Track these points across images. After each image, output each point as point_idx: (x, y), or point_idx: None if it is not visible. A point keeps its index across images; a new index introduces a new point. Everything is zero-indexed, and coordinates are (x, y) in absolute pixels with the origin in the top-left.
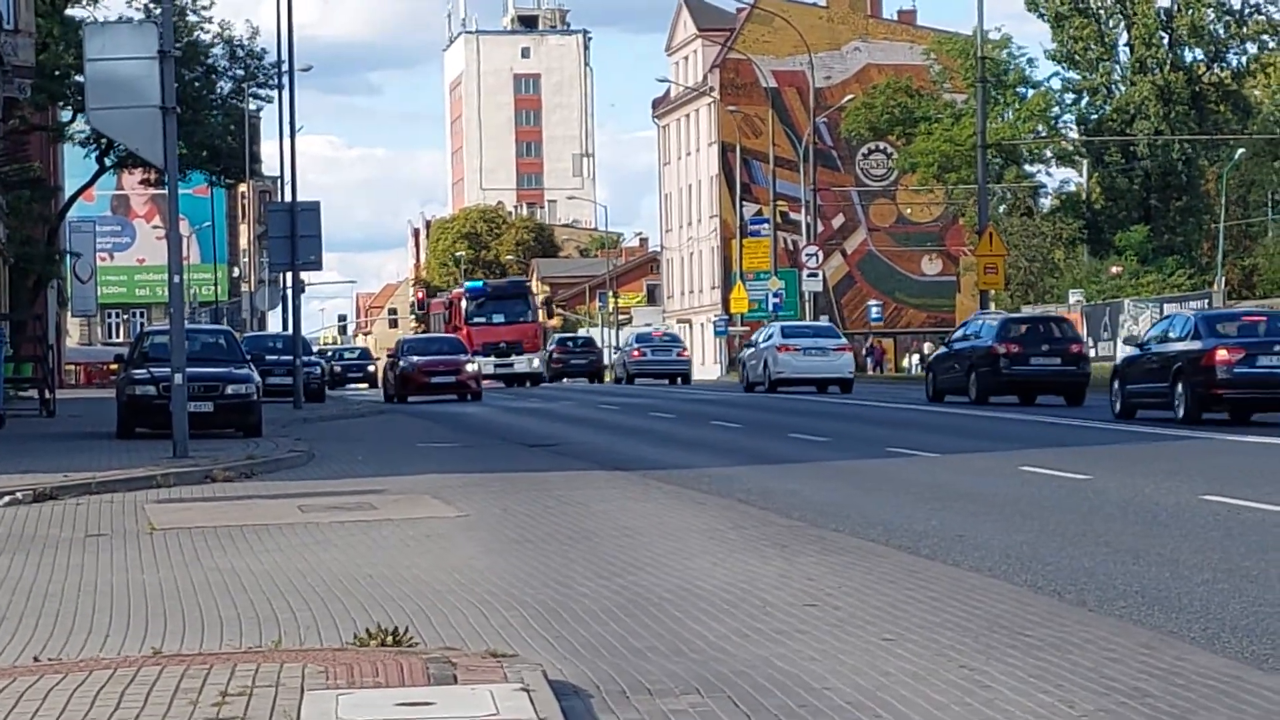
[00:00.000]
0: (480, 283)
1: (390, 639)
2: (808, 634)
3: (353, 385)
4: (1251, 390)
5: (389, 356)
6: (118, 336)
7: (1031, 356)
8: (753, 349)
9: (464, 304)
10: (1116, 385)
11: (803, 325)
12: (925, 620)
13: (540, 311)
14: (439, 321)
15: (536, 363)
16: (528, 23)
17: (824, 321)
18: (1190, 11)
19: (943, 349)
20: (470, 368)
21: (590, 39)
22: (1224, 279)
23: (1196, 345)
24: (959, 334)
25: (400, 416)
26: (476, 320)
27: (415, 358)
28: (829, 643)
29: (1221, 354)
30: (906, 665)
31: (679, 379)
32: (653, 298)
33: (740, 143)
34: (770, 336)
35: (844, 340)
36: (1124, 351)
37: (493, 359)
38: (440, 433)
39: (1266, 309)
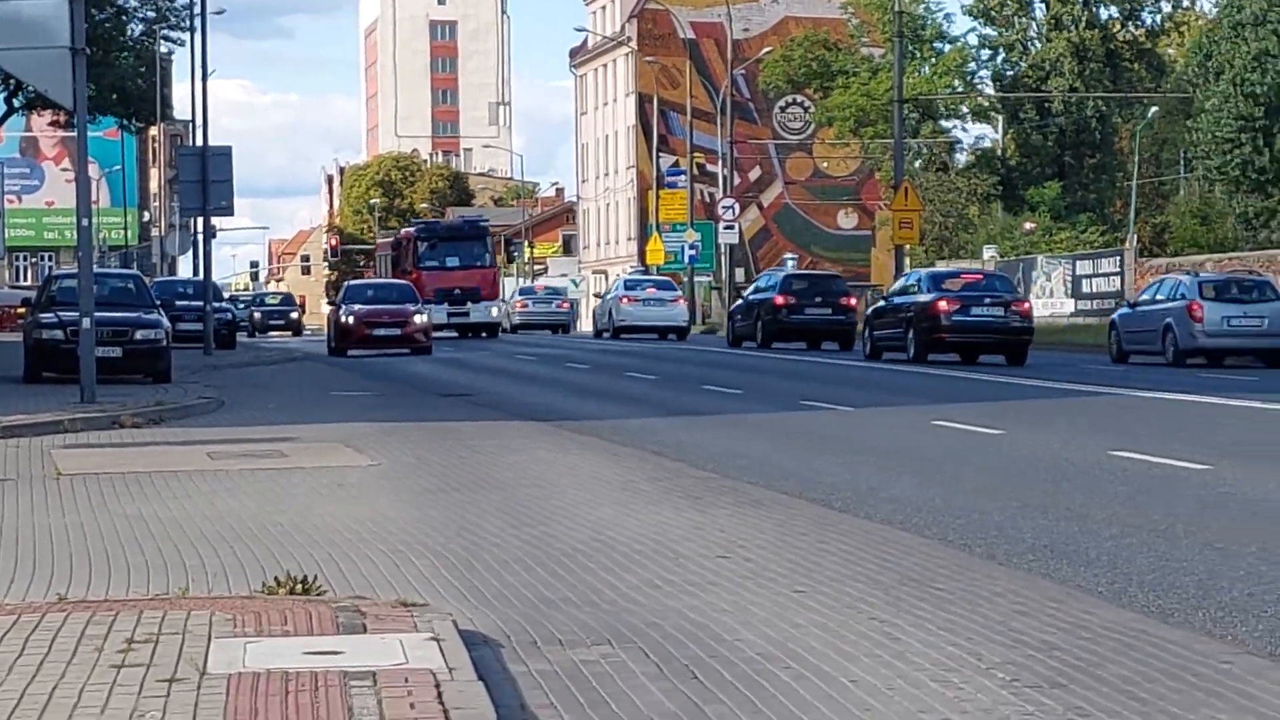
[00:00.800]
0: (433, 221)
1: (299, 587)
2: (720, 586)
3: (276, 333)
4: (967, 335)
5: (330, 304)
6: (25, 280)
7: (806, 307)
8: (602, 300)
9: (415, 245)
10: (867, 332)
11: (644, 278)
12: (837, 573)
13: (500, 256)
14: (385, 264)
15: (495, 312)
16: None
17: (662, 276)
18: None
19: (740, 300)
20: (419, 319)
21: None
22: (1135, 236)
23: (925, 298)
24: (757, 284)
25: (314, 364)
26: (429, 264)
27: (357, 306)
28: (741, 594)
29: (942, 305)
30: (817, 617)
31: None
32: (569, 248)
33: (658, 94)
34: (616, 288)
35: (680, 293)
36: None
37: (446, 307)
38: (354, 381)
39: (981, 269)
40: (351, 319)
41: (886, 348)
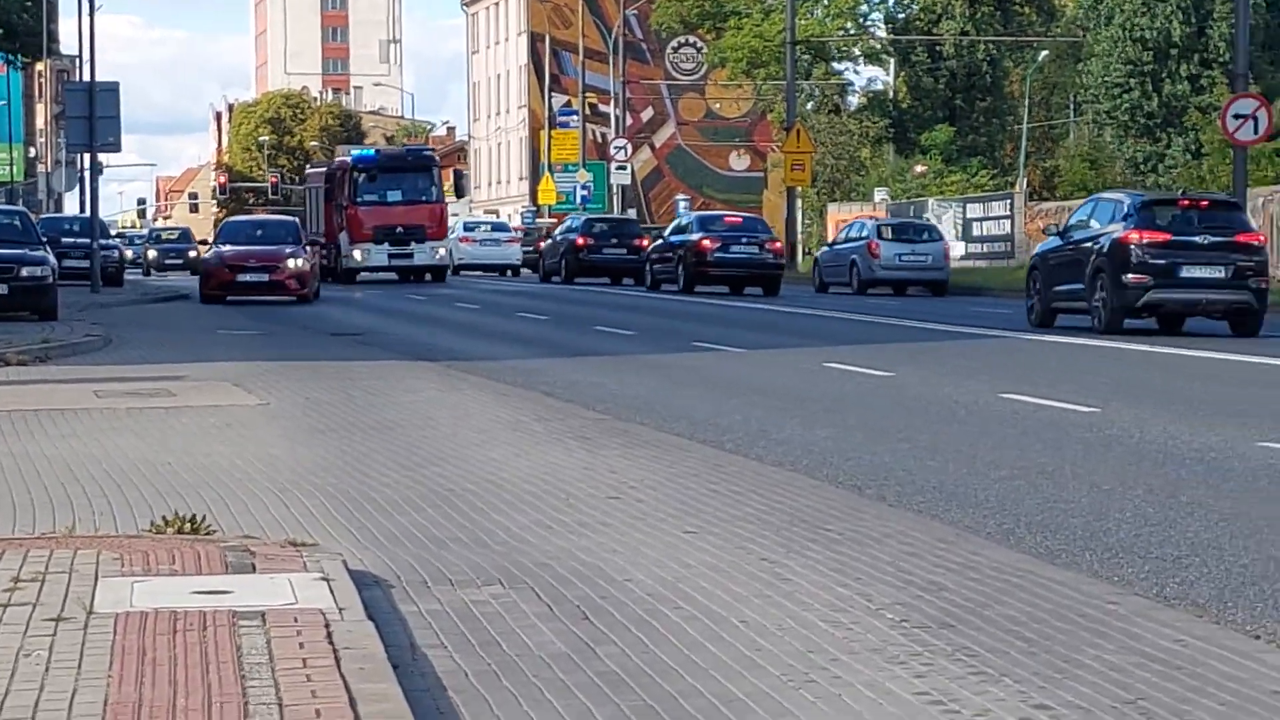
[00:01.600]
0: (371, 151)
1: (187, 527)
2: (610, 526)
3: (174, 273)
4: (728, 269)
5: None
6: None
7: (604, 248)
8: (445, 241)
9: (351, 177)
10: (647, 266)
11: (481, 220)
12: (727, 514)
13: (448, 188)
14: (316, 198)
15: (441, 253)
16: None
17: (498, 219)
18: None
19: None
20: (294, 262)
21: None
22: (1025, 180)
23: (694, 237)
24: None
25: (202, 304)
26: (367, 198)
27: (226, 248)
28: (631, 535)
29: (706, 242)
30: (708, 558)
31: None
32: (459, 190)
33: (550, 33)
34: (455, 230)
35: (514, 234)
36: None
37: (387, 247)
38: (243, 321)
39: (743, 214)
40: (217, 262)
41: (664, 279)
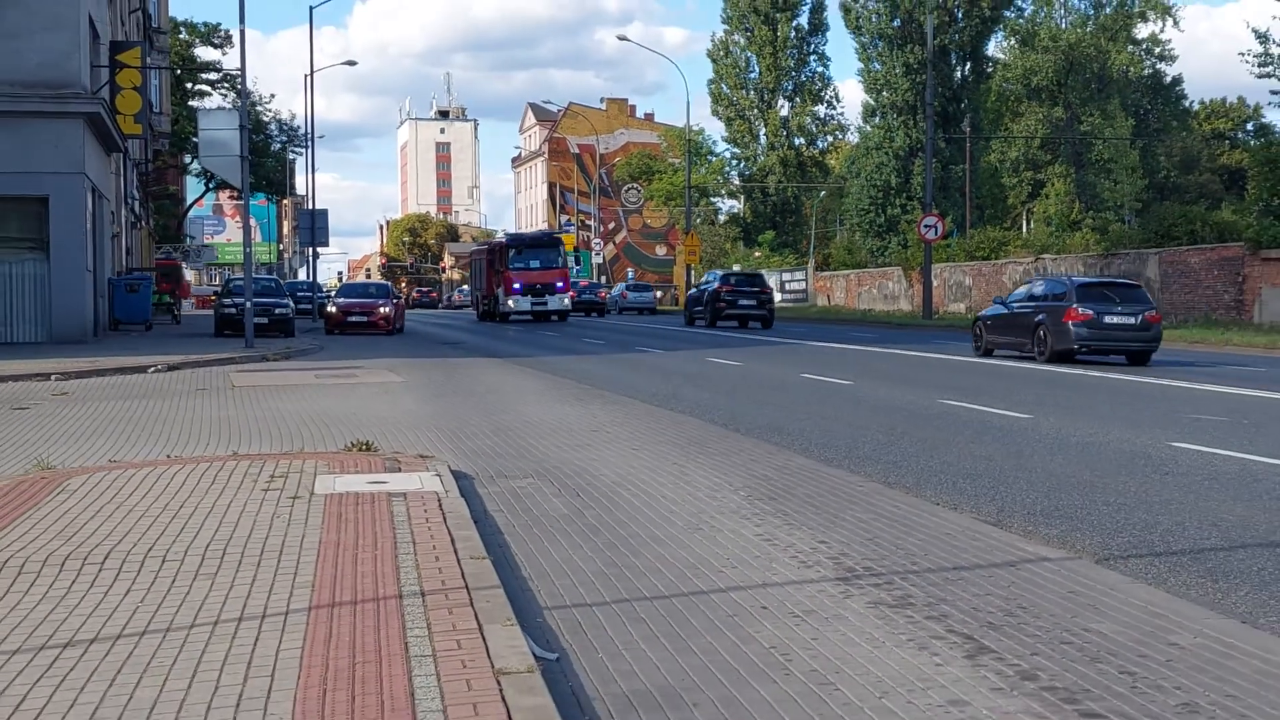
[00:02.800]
0: (519, 233)
1: (364, 447)
2: (592, 447)
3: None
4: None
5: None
6: (216, 281)
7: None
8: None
9: (505, 251)
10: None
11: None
12: (655, 439)
13: (571, 259)
14: (480, 267)
15: (566, 301)
16: (444, 114)
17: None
18: (797, 117)
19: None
20: (384, 309)
21: (478, 124)
22: (813, 260)
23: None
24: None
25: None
26: (516, 265)
27: (341, 299)
28: (603, 451)
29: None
30: (645, 463)
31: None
32: None
33: (559, 182)
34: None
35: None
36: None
37: (529, 298)
38: (387, 342)
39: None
40: (334, 309)
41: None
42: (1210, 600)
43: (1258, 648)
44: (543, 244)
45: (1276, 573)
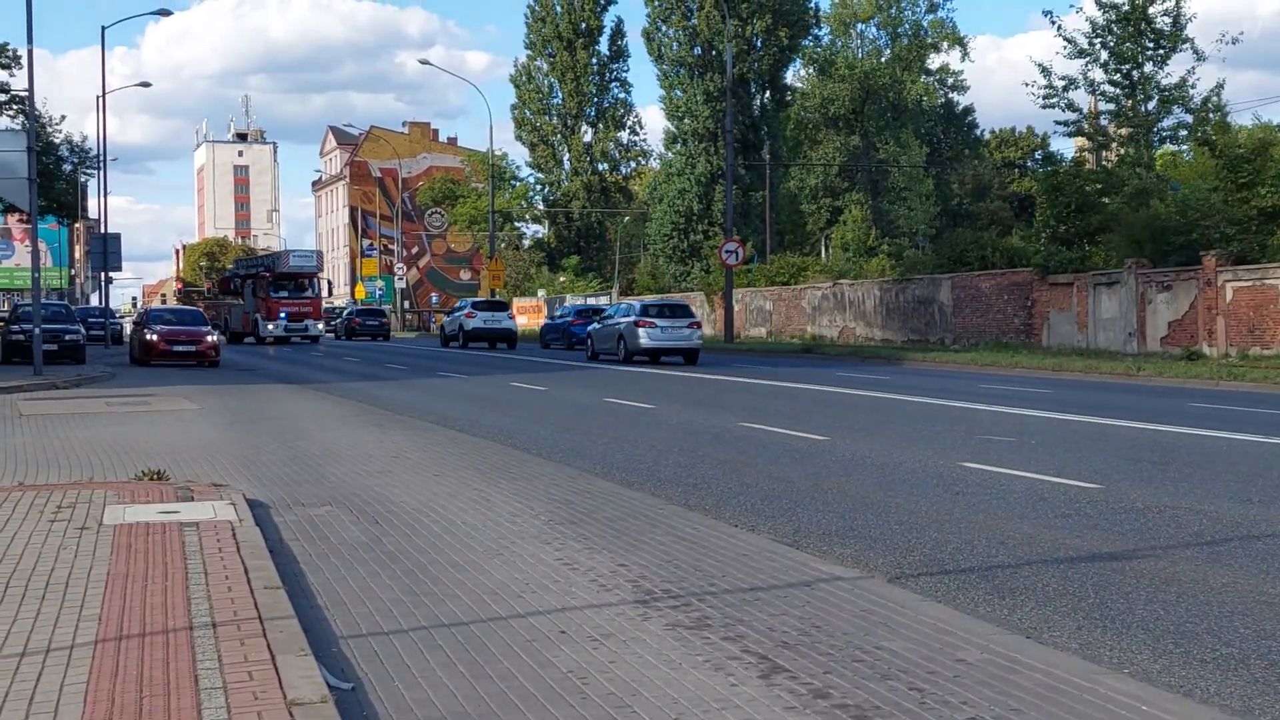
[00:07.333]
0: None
1: (155, 476)
2: (393, 473)
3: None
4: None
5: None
6: (4, 307)
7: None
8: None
9: (266, 280)
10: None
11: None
12: (457, 465)
13: (324, 289)
14: (248, 291)
15: (321, 326)
16: (241, 136)
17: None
18: (600, 143)
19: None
20: (210, 338)
21: (277, 146)
22: (617, 285)
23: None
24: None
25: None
26: (277, 294)
27: (159, 326)
28: (404, 478)
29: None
30: (445, 489)
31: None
32: None
33: (361, 206)
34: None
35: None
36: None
37: (286, 322)
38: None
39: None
40: (154, 336)
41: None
42: (997, 616)
43: (1041, 662)
44: (301, 274)
45: (1060, 589)
